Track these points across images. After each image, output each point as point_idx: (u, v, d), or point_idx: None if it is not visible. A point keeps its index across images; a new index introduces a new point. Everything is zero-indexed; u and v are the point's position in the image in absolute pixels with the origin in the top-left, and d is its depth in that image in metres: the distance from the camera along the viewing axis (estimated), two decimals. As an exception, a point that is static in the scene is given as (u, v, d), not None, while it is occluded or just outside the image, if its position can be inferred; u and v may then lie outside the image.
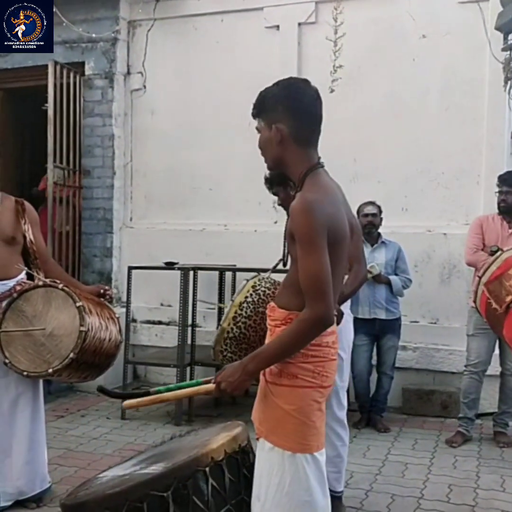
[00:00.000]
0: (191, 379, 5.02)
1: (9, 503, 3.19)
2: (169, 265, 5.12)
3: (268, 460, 1.99)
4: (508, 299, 2.76)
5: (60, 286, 3.02)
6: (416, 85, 5.45)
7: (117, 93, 6.23)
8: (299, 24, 5.77)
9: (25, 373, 2.98)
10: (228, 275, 5.49)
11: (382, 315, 4.75)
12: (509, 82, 4.87)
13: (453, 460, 4.13)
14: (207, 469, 2.13)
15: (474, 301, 3.09)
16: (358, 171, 5.59)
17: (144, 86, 6.30)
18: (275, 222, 5.61)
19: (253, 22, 5.91)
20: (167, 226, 6.11)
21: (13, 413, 3.18)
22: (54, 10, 5.83)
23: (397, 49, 5.48)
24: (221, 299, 5.45)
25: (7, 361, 2.99)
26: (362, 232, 4.77)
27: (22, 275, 3.22)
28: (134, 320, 6.06)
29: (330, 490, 2.23)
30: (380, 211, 4.91)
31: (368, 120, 5.55)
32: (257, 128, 2.06)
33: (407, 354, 5.34)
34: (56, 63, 5.94)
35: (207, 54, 6.08)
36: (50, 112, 5.88)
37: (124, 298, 5.50)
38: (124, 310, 5.39)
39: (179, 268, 4.96)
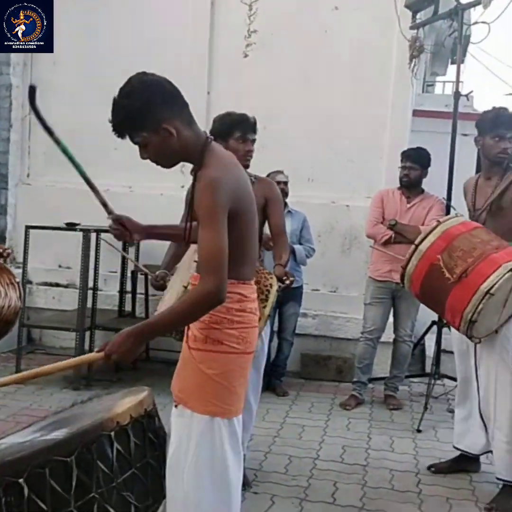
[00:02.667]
0: (91, 344, 4.92)
1: None
2: (70, 226, 4.93)
3: (186, 425, 2.00)
4: (458, 270, 2.91)
5: None
6: (327, 56, 5.52)
7: (16, 41, 5.85)
8: (213, -16, 5.65)
9: None
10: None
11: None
12: (414, 60, 5.05)
13: (346, 422, 4.32)
14: (112, 433, 2.10)
15: (404, 267, 3.16)
16: (267, 139, 5.53)
17: (46, 36, 5.94)
18: (182, 186, 5.52)
19: (165, -20, 5.71)
20: (68, 185, 5.80)
21: None
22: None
23: (310, 18, 5.51)
24: (123, 264, 5.33)
25: None
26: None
27: None
28: (30, 282, 5.81)
29: None
30: (288, 181, 4.96)
31: (279, 88, 5.57)
32: (137, 143, 1.95)
33: (307, 321, 5.50)
34: None
35: (117, 12, 5.87)
36: None
37: (20, 259, 5.25)
38: (20, 271, 5.14)
39: (80, 230, 4.78)
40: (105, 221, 2.16)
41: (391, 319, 4.80)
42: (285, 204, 4.95)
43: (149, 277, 3.27)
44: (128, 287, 5.45)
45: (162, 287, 3.10)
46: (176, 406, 2.06)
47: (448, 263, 2.96)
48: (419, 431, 4.18)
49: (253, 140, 3.22)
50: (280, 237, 3.36)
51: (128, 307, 5.47)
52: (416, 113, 6.35)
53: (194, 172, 2.00)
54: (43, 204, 5.84)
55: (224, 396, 2.00)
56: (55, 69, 5.94)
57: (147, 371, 5.22)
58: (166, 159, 1.99)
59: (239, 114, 3.19)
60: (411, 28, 4.99)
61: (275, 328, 5.04)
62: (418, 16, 5.01)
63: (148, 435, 2.24)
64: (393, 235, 4.50)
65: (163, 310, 2.00)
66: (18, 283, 3.08)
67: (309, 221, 5.08)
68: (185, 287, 2.63)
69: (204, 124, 5.48)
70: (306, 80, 5.54)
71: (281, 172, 4.91)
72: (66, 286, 5.88)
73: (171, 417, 2.11)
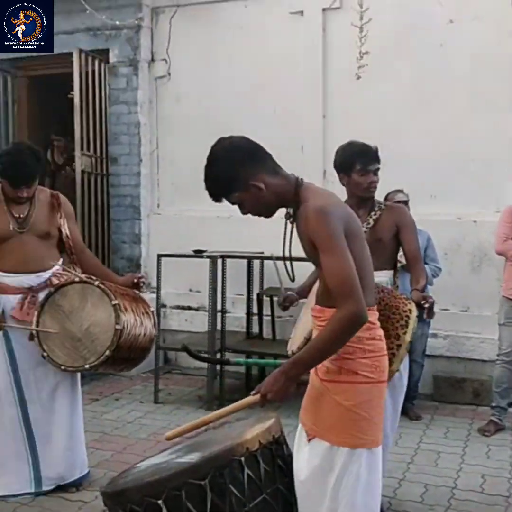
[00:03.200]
0: (221, 366, 5.05)
1: (51, 487, 3.28)
2: (198, 253, 5.13)
3: (325, 458, 2.01)
4: None
5: (96, 283, 3.04)
6: (444, 70, 5.34)
7: (141, 81, 6.24)
8: (324, 9, 5.68)
9: (62, 367, 3.04)
10: (256, 262, 5.49)
11: (411, 303, 4.70)
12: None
13: (486, 449, 4.10)
14: (242, 459, 2.13)
15: None
16: (385, 158, 5.41)
17: (169, 73, 6.28)
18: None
19: (277, 8, 5.83)
20: (194, 213, 6.08)
21: (53, 400, 3.24)
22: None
23: (424, 34, 5.37)
24: (249, 286, 5.45)
25: (45, 354, 3.05)
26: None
27: (57, 267, 3.26)
28: (164, 306, 6.09)
29: None
30: (408, 199, 4.85)
31: (395, 107, 5.47)
32: (234, 203, 2.05)
33: (437, 341, 5.30)
34: (81, 51, 5.95)
35: (231, 41, 6.03)
36: (76, 100, 5.91)
37: (154, 284, 5.52)
38: (154, 295, 5.41)
39: (207, 256, 4.96)
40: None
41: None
42: (408, 223, 4.84)
43: (276, 298, 3.34)
44: (255, 309, 5.56)
45: (285, 309, 3.14)
46: (309, 440, 2.06)
47: None
48: None
49: (376, 170, 3.17)
50: (417, 263, 3.27)
51: (255, 329, 5.56)
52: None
53: (291, 214, 2.03)
54: (173, 231, 6.13)
55: (364, 427, 1.99)
56: (178, 105, 6.23)
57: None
58: (264, 211, 2.07)
59: (359, 145, 3.15)
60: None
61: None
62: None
63: (277, 461, 2.24)
64: (526, 251, 4.26)
65: (308, 343, 2.01)
66: (152, 312, 3.28)
67: (433, 239, 4.92)
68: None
69: (321, 148, 5.67)
70: (422, 96, 5.40)
71: (400, 191, 4.82)
72: (197, 309, 6.11)
73: (297, 448, 2.12)
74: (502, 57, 5.17)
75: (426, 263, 4.79)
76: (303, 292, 3.17)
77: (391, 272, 3.32)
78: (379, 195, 4.88)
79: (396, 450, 4.00)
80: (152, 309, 3.33)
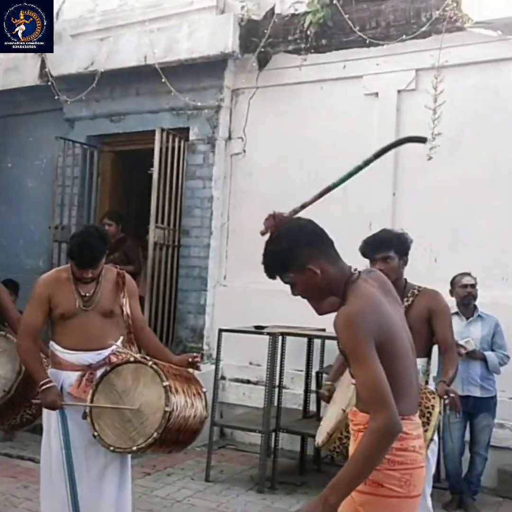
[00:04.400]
0: (275, 445, 4.99)
1: None
2: (258, 329, 5.16)
3: None
4: None
5: (150, 363, 3.08)
6: (517, 153, 5.29)
7: (218, 157, 6.50)
8: (399, 91, 5.81)
9: (111, 448, 3.04)
10: (317, 340, 5.46)
11: (476, 393, 4.52)
12: None
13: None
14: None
15: None
16: (455, 238, 5.46)
17: (244, 150, 6.51)
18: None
19: (352, 90, 6.01)
20: (259, 286, 6.08)
21: (102, 480, 3.24)
22: (163, 80, 6.28)
23: (499, 117, 5.37)
24: (308, 364, 5.41)
25: (96, 433, 3.07)
26: (460, 303, 4.65)
27: (116, 345, 3.33)
28: (223, 378, 6.12)
29: None
30: (476, 283, 4.74)
31: (467, 187, 5.44)
32: (287, 282, 2.07)
33: (504, 432, 5.03)
34: (162, 130, 6.30)
35: (306, 120, 6.22)
36: (155, 176, 6.21)
37: (214, 355, 5.58)
38: (213, 367, 5.46)
39: (267, 333, 4.98)
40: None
41: None
42: (475, 307, 4.73)
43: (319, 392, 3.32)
44: (313, 385, 5.49)
45: (329, 399, 3.12)
46: None
47: None
48: None
49: (384, 258, 3.27)
50: (448, 352, 3.26)
51: (313, 407, 5.47)
52: None
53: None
54: (237, 304, 6.21)
55: None
56: (250, 180, 6.44)
57: (332, 474, 5.10)
58: (313, 296, 2.07)
59: (371, 236, 3.37)
60: None
61: (467, 438, 4.69)
62: None
63: None
64: None
65: (346, 463, 1.90)
66: (204, 393, 3.28)
67: (503, 323, 4.75)
68: (344, 410, 2.59)
69: (390, 223, 5.64)
70: (496, 177, 5.35)
71: (468, 274, 4.72)
72: (255, 383, 6.09)
73: None
74: None
75: (493, 350, 4.64)
76: (335, 376, 3.23)
77: (424, 359, 3.30)
78: (447, 276, 4.87)
79: (452, 551, 3.78)
80: (204, 390, 3.31)
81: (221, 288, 6.48)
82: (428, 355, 3.33)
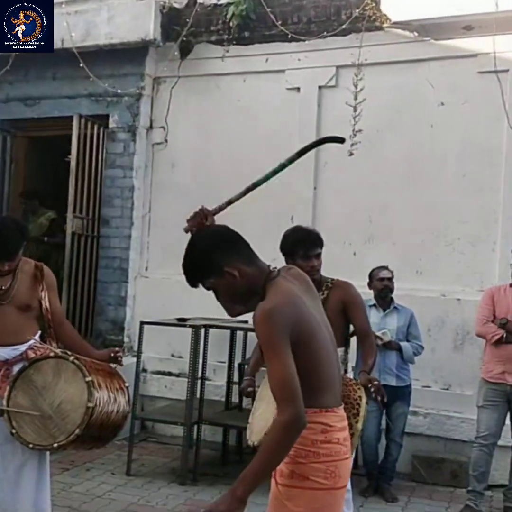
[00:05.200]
0: (198, 437, 5.00)
1: None
2: (181, 321, 5.14)
3: None
4: None
5: (71, 358, 3.00)
6: (434, 151, 5.51)
7: (139, 146, 6.38)
8: (320, 87, 5.90)
9: (30, 445, 2.95)
10: (240, 331, 5.50)
11: (392, 382, 4.70)
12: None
13: (461, 537, 4.03)
14: None
15: None
16: (373, 233, 5.64)
17: (166, 140, 6.43)
18: (289, 280, 5.65)
19: (274, 83, 6.05)
20: (181, 278, 6.05)
21: (19, 478, 3.16)
22: (81, 64, 6.09)
23: (416, 115, 5.57)
24: (231, 356, 5.45)
25: (13, 431, 2.97)
26: (378, 296, 4.82)
27: (34, 340, 3.23)
28: (145, 370, 6.06)
29: None
30: (393, 276, 4.92)
31: (385, 184, 5.62)
32: (209, 288, 2.07)
33: (418, 419, 5.27)
34: (80, 116, 6.11)
35: (228, 112, 6.22)
36: (73, 163, 6.03)
37: (136, 347, 5.51)
38: (134, 359, 5.39)
39: (190, 326, 4.97)
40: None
41: (508, 422, 4.51)
42: (391, 299, 4.91)
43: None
44: (236, 377, 5.53)
45: (249, 395, 3.19)
46: None
47: None
48: (542, 553, 3.81)
49: (317, 254, 3.35)
50: (366, 340, 3.37)
51: (235, 398, 5.52)
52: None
53: None
54: (159, 295, 6.15)
55: None
56: (173, 171, 6.38)
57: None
58: (235, 299, 2.08)
59: (302, 232, 3.38)
60: (520, 122, 4.92)
61: (383, 426, 4.88)
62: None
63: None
64: (504, 335, 4.31)
65: (254, 457, 1.91)
66: (127, 387, 3.24)
67: (417, 315, 4.97)
68: None
69: (310, 216, 5.75)
70: (413, 174, 5.56)
71: (385, 267, 4.89)
72: (178, 375, 6.07)
73: None
74: (490, 140, 5.35)
75: (408, 341, 4.84)
76: (253, 370, 3.38)
77: (342, 349, 3.39)
78: (365, 269, 5.03)
79: (370, 536, 3.94)
80: (127, 384, 3.29)
81: (142, 279, 6.39)
82: (345, 344, 3.45)
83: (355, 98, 5.53)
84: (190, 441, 4.93)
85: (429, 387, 5.35)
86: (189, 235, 2.21)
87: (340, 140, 2.47)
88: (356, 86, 5.50)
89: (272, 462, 1.86)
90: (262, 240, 5.68)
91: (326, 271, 3.53)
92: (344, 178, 5.74)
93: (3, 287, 3.19)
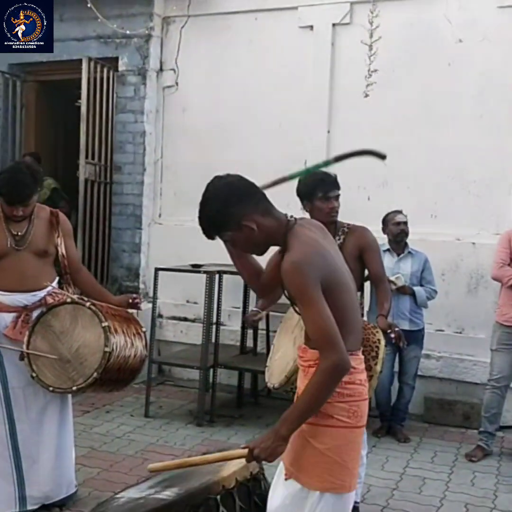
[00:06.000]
0: (213, 380, 5.10)
1: (35, 507, 3.28)
2: (195, 267, 5.17)
3: (297, 501, 2.04)
4: None
5: (88, 304, 3.06)
6: (451, 90, 5.36)
7: (149, 90, 6.27)
8: (334, 25, 5.71)
9: (50, 388, 3.05)
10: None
11: (405, 326, 4.70)
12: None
13: (471, 476, 4.12)
14: (218, 497, 2.18)
15: None
16: (388, 176, 5.55)
17: (177, 83, 6.31)
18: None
19: (287, 22, 5.86)
20: (195, 224, 5.96)
21: (41, 420, 3.26)
22: (89, 4, 5.92)
23: (433, 53, 5.39)
24: (245, 301, 5.49)
25: (34, 374, 3.07)
26: (393, 240, 4.79)
27: (52, 286, 3.27)
28: (160, 316, 6.14)
29: None
30: (407, 220, 4.87)
31: (401, 125, 5.49)
32: (226, 240, 2.09)
33: (430, 362, 5.32)
34: (90, 59, 5.99)
35: (240, 53, 6.06)
36: (83, 109, 5.96)
37: (151, 294, 5.57)
38: (150, 305, 5.46)
39: (204, 272, 4.99)
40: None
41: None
42: (406, 244, 4.88)
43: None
44: (251, 322, 5.60)
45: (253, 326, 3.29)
46: (286, 479, 2.09)
47: None
48: (551, 490, 3.90)
49: (337, 196, 3.32)
50: (381, 285, 3.39)
51: (250, 343, 5.60)
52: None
53: (282, 254, 2.06)
54: (173, 242, 6.16)
55: (336, 471, 2.02)
56: (184, 115, 6.27)
57: (269, 407, 5.32)
58: (255, 250, 2.12)
59: (320, 173, 3.28)
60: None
61: (396, 370, 4.94)
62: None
63: (254, 498, 2.30)
64: (520, 279, 4.29)
65: (297, 399, 2.01)
66: (144, 332, 3.31)
67: (432, 259, 4.94)
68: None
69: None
70: (429, 115, 5.42)
71: (400, 212, 4.84)
72: (193, 321, 6.15)
73: (275, 485, 2.15)
74: (508, 78, 5.18)
75: (422, 285, 4.83)
76: (263, 305, 3.47)
77: (358, 294, 3.39)
78: (379, 214, 4.98)
79: (381, 475, 4.04)
80: (144, 329, 3.36)
81: (156, 226, 6.39)
82: (361, 289, 3.45)
83: (371, 36, 5.32)
84: (206, 384, 5.03)
85: (442, 330, 5.38)
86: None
87: (382, 157, 2.51)
88: (371, 24, 5.28)
89: (315, 405, 1.95)
90: (276, 186, 5.74)
91: (340, 216, 3.48)
92: (358, 120, 5.61)
93: (19, 233, 3.22)
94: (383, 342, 2.93)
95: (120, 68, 6.31)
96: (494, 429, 4.51)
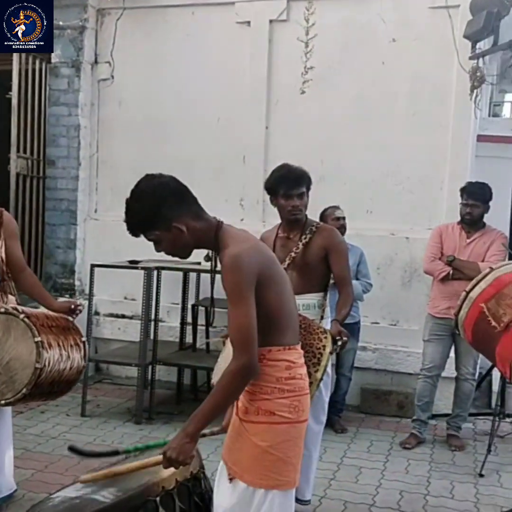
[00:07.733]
0: (152, 377, 5.05)
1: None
2: (133, 264, 5.10)
3: (242, 500, 2.03)
4: (506, 318, 2.86)
5: (21, 316, 2.93)
6: (385, 88, 5.48)
7: (84, 83, 6.13)
8: (271, 21, 5.73)
9: None
10: (193, 273, 5.50)
11: (342, 319, 4.79)
12: (475, 90, 4.95)
13: (406, 464, 4.24)
14: (157, 498, 2.14)
15: (456, 314, 3.19)
16: (324, 172, 5.62)
17: (112, 76, 6.20)
18: (242, 220, 5.63)
19: (224, 17, 5.84)
20: (132, 220, 6.04)
21: None
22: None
23: (367, 51, 5.50)
24: (184, 297, 5.45)
25: None
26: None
27: None
28: (97, 313, 6.04)
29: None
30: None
31: (337, 122, 5.58)
32: (151, 239, 2.05)
33: (366, 354, 5.44)
34: (21, 50, 5.80)
35: (177, 47, 6.01)
36: (14, 101, 5.79)
37: (87, 291, 5.46)
38: (86, 302, 5.35)
39: (142, 268, 4.93)
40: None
41: (453, 354, 4.70)
42: (342, 239, 4.95)
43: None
44: (189, 319, 5.56)
45: None
46: (230, 480, 2.08)
47: (495, 311, 2.89)
48: (481, 475, 4.06)
49: (300, 194, 3.23)
50: (344, 289, 3.30)
51: (189, 339, 5.57)
52: (480, 138, 6.22)
53: (210, 256, 2.08)
54: (110, 238, 6.04)
55: (280, 468, 2.02)
56: (120, 109, 6.17)
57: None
58: (180, 252, 2.10)
59: (285, 169, 3.23)
60: (471, 58, 4.91)
61: (333, 362, 5.02)
62: (477, 45, 4.92)
63: (194, 498, 2.27)
64: (451, 272, 4.44)
65: (206, 398, 2.01)
66: (84, 342, 3.19)
67: (367, 253, 5.05)
68: None
69: (263, 157, 5.71)
70: (364, 112, 5.52)
71: (337, 207, 4.92)
72: (131, 317, 6.07)
73: (218, 484, 2.15)
74: (440, 78, 5.34)
75: (358, 279, 4.92)
76: None
77: (320, 294, 3.36)
78: (317, 210, 5.04)
79: (320, 466, 4.07)
80: (83, 339, 3.23)
81: (92, 222, 6.26)
82: (324, 290, 3.37)
83: (307, 34, 5.41)
84: (144, 381, 4.98)
85: (377, 323, 5.51)
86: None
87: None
88: (307, 21, 5.38)
89: (221, 405, 1.98)
90: (213, 182, 5.74)
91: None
92: (295, 116, 5.67)
93: None
94: (328, 349, 2.85)
95: (53, 60, 6.13)
96: (427, 417, 4.66)
